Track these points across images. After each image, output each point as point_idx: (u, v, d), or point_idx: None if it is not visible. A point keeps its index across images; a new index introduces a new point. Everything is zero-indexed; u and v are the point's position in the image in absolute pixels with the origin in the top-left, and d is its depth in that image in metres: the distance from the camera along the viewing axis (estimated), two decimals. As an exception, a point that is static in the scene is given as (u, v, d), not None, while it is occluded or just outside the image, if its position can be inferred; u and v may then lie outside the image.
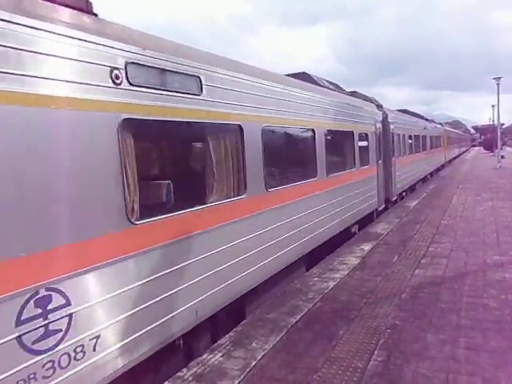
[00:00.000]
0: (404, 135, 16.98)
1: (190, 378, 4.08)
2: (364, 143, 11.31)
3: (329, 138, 8.61)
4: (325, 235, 8.37)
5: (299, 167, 7.94)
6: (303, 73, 9.49)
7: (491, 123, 62.19)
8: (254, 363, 4.30)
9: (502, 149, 33.09)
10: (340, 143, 10.06)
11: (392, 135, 14.57)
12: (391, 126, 14.48)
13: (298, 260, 7.18)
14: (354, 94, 12.89)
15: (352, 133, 10.40)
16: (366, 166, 11.36)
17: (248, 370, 4.18)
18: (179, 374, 4.18)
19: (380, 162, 13.05)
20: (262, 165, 5.99)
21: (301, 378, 3.98)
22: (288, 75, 8.57)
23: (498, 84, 28.91)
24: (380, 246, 8.88)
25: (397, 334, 4.75)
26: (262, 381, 3.99)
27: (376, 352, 4.36)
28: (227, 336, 4.99)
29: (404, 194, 17.33)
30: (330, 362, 4.23)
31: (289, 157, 7.69)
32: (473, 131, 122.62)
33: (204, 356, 4.51)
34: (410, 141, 18.62)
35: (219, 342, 4.86)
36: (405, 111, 21.18)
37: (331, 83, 11.09)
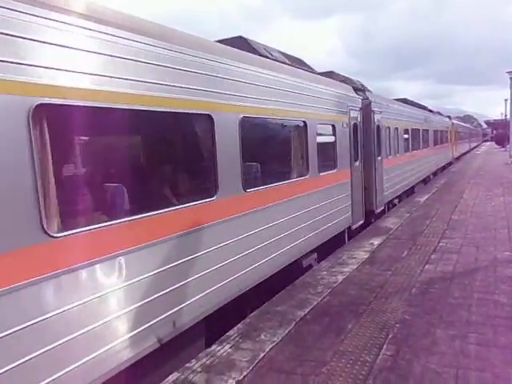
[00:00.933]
0: (397, 129, 13.94)
1: (199, 369, 4.11)
2: (327, 139, 8.31)
3: (250, 129, 5.71)
4: (229, 290, 5.11)
5: (174, 181, 4.83)
6: (239, 37, 7.16)
7: (504, 118, 61.38)
8: (262, 355, 4.31)
9: (514, 144, 32.57)
10: (277, 138, 7.11)
11: (377, 128, 11.50)
12: (376, 117, 11.38)
13: (184, 336, 4.40)
14: (329, 74, 10.14)
15: (303, 123, 7.18)
16: (329, 171, 8.25)
17: (256, 361, 4.19)
18: (188, 365, 4.21)
19: (357, 163, 9.98)
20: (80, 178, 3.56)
21: (309, 371, 3.98)
22: (221, 40, 6.43)
23: (511, 78, 28.45)
24: (390, 241, 8.82)
25: (406, 328, 4.73)
26: (270, 373, 4.00)
27: (385, 346, 4.35)
28: (235, 328, 5.01)
29: (397, 200, 14.35)
30: (338, 356, 4.23)
31: (148, 162, 4.65)
32: (485, 126, 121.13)
33: (213, 347, 4.54)
34: (406, 136, 15.51)
35: (228, 333, 4.87)
36: (404, 101, 18.36)
37: (289, 56, 8.35)
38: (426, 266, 6.89)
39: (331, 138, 8.50)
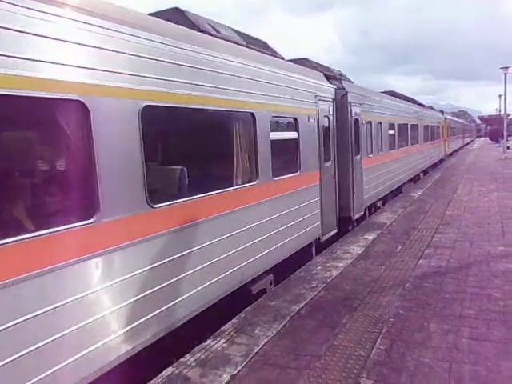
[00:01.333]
0: (380, 124, 12.58)
1: (194, 364, 4.10)
2: (287, 135, 7.05)
3: (162, 123, 4.60)
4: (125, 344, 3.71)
5: (20, 198, 3.20)
6: (175, 9, 5.78)
7: (498, 113, 61.73)
8: (256, 350, 4.32)
9: (507, 139, 32.77)
10: (209, 135, 5.41)
11: (356, 123, 9.99)
12: (354, 110, 9.86)
13: None
14: (302, 61, 8.88)
15: (250, 116, 5.77)
16: (289, 175, 6.89)
17: (251, 356, 4.20)
18: (182, 359, 4.20)
19: (329, 164, 8.55)
20: None
21: (304, 365, 3.99)
22: (155, 13, 5.24)
23: (505, 74, 28.58)
24: (384, 236, 8.85)
25: (400, 323, 4.75)
26: (264, 367, 4.00)
27: (379, 340, 4.36)
28: (230, 323, 5.01)
29: (380, 203, 13.02)
30: (332, 350, 4.24)
31: None
32: (479, 121, 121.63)
33: (207, 342, 4.53)
34: (392, 131, 14.09)
35: (222, 328, 4.87)
36: (391, 93, 17.17)
37: (247, 37, 6.90)
38: (420, 261, 6.92)
39: (292, 135, 7.11)
